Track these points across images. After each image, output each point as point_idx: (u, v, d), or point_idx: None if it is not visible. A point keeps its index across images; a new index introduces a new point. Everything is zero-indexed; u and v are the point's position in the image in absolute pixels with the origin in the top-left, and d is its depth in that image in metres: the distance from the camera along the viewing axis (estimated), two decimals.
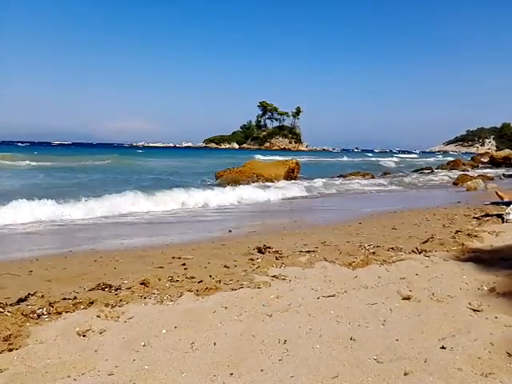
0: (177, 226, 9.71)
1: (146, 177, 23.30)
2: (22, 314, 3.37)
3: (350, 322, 3.30)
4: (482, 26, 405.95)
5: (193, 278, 4.43)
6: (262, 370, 2.63)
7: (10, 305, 3.60)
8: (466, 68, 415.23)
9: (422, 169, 33.85)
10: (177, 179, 21.50)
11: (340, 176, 25.50)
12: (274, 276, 4.51)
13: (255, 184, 17.97)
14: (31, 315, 3.40)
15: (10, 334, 3.00)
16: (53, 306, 3.59)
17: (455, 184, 20.79)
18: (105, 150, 73.27)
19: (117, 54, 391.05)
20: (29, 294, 3.88)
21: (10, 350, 2.84)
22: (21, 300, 3.73)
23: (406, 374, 2.52)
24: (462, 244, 5.79)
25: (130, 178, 22.35)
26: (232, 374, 2.59)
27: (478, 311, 3.44)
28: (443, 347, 2.84)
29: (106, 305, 3.67)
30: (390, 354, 2.79)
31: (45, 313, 3.48)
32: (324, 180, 21.58)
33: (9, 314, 3.35)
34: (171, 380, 2.54)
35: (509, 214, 7.96)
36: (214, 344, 2.96)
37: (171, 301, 3.82)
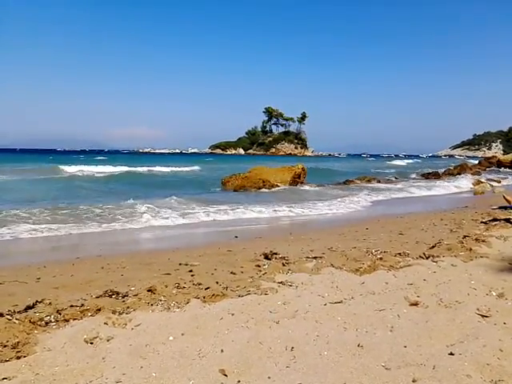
0: None
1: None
2: (30, 322, 3.38)
3: (357, 329, 3.28)
4: (488, 30, 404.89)
5: (200, 284, 4.43)
6: (269, 377, 2.62)
7: (18, 312, 3.61)
8: (472, 72, 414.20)
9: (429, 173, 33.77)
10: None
11: (346, 181, 25.46)
12: (281, 282, 4.50)
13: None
14: (39, 322, 3.41)
15: (18, 342, 3.01)
16: (60, 314, 3.60)
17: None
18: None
19: (123, 61, 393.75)
20: (36, 301, 3.90)
21: (18, 358, 2.85)
22: (29, 307, 3.75)
23: (414, 381, 2.50)
24: (470, 249, 5.75)
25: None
26: (239, 382, 2.59)
27: (487, 317, 3.42)
28: (452, 353, 2.82)
29: (114, 312, 3.67)
30: (397, 360, 2.77)
31: (52, 320, 3.49)
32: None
33: (17, 321, 3.36)
34: None
35: None
36: (221, 351, 2.95)
37: (178, 308, 3.82)
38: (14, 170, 30.36)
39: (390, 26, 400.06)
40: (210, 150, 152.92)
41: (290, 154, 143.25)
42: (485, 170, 38.74)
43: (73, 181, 23.82)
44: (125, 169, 33.25)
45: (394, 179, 29.75)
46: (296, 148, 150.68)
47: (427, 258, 5.36)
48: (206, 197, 16.26)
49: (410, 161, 73.51)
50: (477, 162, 48.12)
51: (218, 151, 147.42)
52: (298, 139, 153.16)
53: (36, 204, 13.06)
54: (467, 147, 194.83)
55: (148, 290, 4.20)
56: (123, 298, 4.05)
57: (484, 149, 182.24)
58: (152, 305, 3.87)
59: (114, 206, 12.43)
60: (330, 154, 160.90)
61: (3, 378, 2.60)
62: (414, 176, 33.10)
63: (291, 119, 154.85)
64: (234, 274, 4.90)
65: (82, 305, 3.80)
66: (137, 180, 26.25)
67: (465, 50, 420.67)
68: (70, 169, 31.71)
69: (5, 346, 2.95)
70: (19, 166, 33.67)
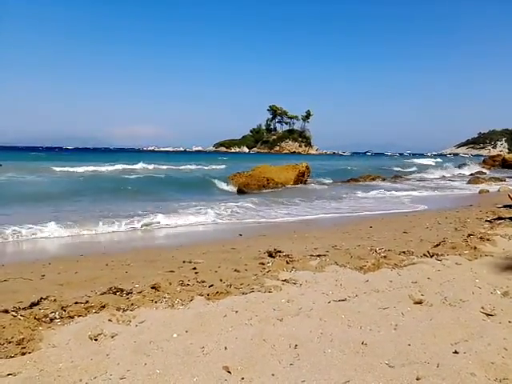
0: None
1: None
2: (35, 318, 3.39)
3: (361, 327, 3.28)
4: (493, 28, 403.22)
5: (203, 282, 4.43)
6: (273, 375, 2.62)
7: (23, 309, 3.62)
8: (477, 70, 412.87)
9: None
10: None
11: (351, 179, 25.49)
12: (285, 280, 4.50)
13: None
14: (44, 319, 3.43)
15: (23, 338, 3.03)
16: (65, 310, 3.61)
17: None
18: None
19: (125, 59, 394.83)
20: (41, 297, 3.91)
21: (23, 354, 2.86)
22: (33, 304, 3.76)
23: (418, 379, 2.50)
24: (475, 247, 5.73)
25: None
26: (243, 379, 2.59)
27: (491, 315, 3.41)
28: (456, 352, 2.81)
29: (118, 309, 3.68)
30: (401, 358, 2.76)
31: (57, 317, 3.50)
32: None
33: (22, 317, 3.37)
34: None
35: None
36: (225, 348, 2.95)
37: (182, 305, 3.82)
38: (44, 168, 29.71)
39: (394, 25, 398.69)
40: (214, 148, 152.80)
41: (295, 152, 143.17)
42: (490, 168, 38.61)
43: (119, 180, 23.49)
44: (161, 167, 34.00)
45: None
46: (300, 146, 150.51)
47: (431, 257, 5.35)
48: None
49: (435, 160, 62.67)
50: (481, 160, 47.90)
51: (222, 149, 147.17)
52: (303, 137, 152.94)
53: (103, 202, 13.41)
54: (472, 145, 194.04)
55: (152, 287, 4.21)
56: (127, 295, 4.06)
57: (489, 147, 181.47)
58: (156, 302, 3.88)
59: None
60: (334, 153, 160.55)
61: (8, 374, 2.61)
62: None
63: (295, 117, 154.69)
64: (238, 271, 4.90)
65: (87, 301, 3.81)
66: (176, 179, 25.10)
67: (469, 48, 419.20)
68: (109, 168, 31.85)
69: (10, 342, 2.96)
70: (52, 165, 32.00)
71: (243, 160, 51.07)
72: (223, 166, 36.46)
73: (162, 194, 16.60)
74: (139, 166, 33.95)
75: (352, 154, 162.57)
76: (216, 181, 21.31)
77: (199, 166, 37.48)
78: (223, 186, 20.58)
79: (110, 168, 31.48)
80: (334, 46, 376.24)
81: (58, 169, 29.20)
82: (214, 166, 37.09)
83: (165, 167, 33.76)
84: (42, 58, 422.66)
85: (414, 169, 39.22)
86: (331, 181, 24.67)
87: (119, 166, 32.21)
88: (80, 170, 29.05)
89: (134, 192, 17.15)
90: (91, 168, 29.93)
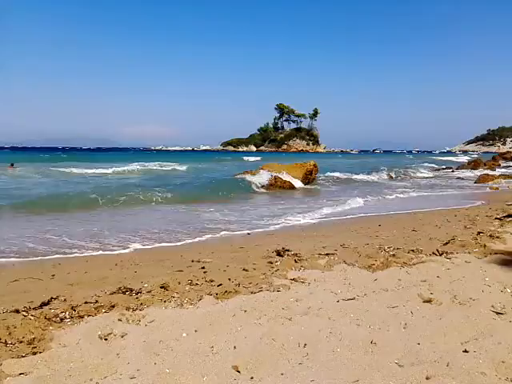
0: None
1: None
2: (46, 318, 3.43)
3: (370, 326, 3.27)
4: (494, 25, 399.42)
5: (212, 281, 4.45)
6: (282, 374, 2.62)
7: (34, 309, 3.66)
8: (485, 67, 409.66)
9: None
10: None
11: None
12: (293, 279, 4.50)
13: None
14: (54, 319, 3.46)
15: (34, 338, 3.06)
16: (75, 310, 3.64)
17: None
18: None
19: (133, 59, 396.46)
20: (51, 297, 3.95)
21: (34, 354, 2.89)
22: (44, 304, 3.79)
23: (427, 379, 2.49)
24: (484, 245, 5.70)
25: None
26: (252, 378, 2.59)
27: (502, 314, 3.39)
28: (466, 351, 2.79)
29: (127, 308, 3.70)
30: (411, 357, 2.76)
31: (67, 316, 3.53)
32: None
33: (32, 317, 3.41)
34: (192, 383, 2.55)
35: None
36: (234, 347, 2.96)
37: (191, 304, 3.84)
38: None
39: (400, 21, 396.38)
40: (221, 147, 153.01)
41: (302, 150, 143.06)
42: (499, 165, 38.31)
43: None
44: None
45: None
46: (308, 144, 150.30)
47: (441, 255, 5.32)
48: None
49: (467, 157, 60.45)
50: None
51: (230, 148, 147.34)
52: (310, 135, 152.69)
53: None
54: (481, 142, 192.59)
55: (161, 287, 4.23)
56: (137, 294, 4.08)
57: (498, 144, 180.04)
58: (165, 301, 3.90)
59: None
60: (342, 151, 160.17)
61: (20, 374, 2.64)
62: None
63: (303, 115, 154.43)
64: (247, 270, 4.90)
65: (97, 301, 3.84)
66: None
67: (477, 42, 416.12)
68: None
69: (21, 342, 3.00)
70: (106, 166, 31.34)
71: (269, 159, 51.16)
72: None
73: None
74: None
75: (360, 151, 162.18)
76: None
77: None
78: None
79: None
80: (337, 44, 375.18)
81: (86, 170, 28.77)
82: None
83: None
84: (46, 58, 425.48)
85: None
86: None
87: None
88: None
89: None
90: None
